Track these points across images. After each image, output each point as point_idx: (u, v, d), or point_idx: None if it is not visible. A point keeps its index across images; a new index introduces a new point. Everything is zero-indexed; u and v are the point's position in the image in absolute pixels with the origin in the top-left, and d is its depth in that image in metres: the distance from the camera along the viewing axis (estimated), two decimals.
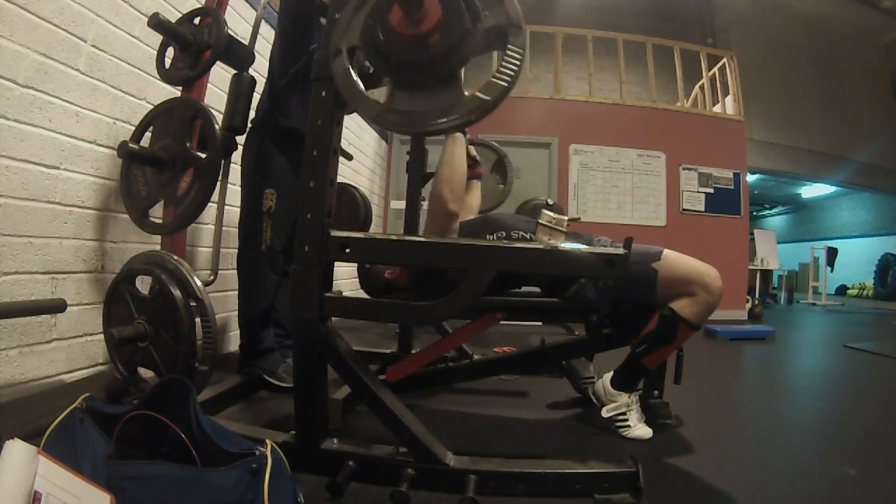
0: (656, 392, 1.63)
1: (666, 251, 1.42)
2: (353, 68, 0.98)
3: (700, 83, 5.76)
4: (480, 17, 0.92)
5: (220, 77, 1.84)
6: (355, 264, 1.95)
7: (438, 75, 0.93)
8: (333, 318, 1.12)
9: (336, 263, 1.11)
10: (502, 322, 1.45)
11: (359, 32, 0.98)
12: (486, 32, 0.92)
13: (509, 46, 0.91)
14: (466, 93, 0.92)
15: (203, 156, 1.39)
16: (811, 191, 11.90)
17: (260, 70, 1.80)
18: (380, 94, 1.12)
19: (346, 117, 1.12)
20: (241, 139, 1.69)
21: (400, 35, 0.92)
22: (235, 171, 1.74)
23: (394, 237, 1.10)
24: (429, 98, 0.94)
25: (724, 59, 5.62)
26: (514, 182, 2.49)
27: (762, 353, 3.35)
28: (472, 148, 1.75)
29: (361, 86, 0.98)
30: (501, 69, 0.90)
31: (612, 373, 1.58)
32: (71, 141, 1.45)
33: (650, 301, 1.42)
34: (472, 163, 1.76)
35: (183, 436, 0.84)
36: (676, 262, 1.41)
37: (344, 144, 1.10)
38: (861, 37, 8.54)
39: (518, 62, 0.90)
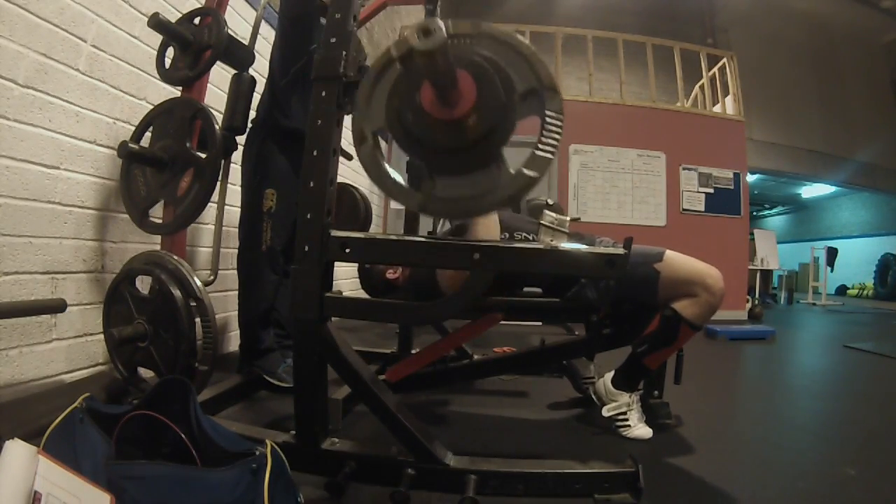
0: (656, 392, 1.63)
1: (668, 252, 1.42)
2: (382, 156, 0.91)
3: (700, 83, 5.76)
4: (514, 86, 0.84)
5: (220, 77, 1.84)
6: (355, 264, 1.95)
7: (481, 158, 0.86)
8: (333, 318, 1.12)
9: (336, 263, 1.11)
10: (502, 322, 1.45)
11: (383, 113, 0.89)
12: (520, 99, 0.85)
13: (547, 113, 0.84)
14: (512, 170, 0.85)
15: (203, 156, 1.39)
16: (811, 191, 11.91)
17: (260, 70, 1.80)
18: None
19: (346, 117, 1.12)
20: (241, 139, 1.69)
21: (434, 119, 0.83)
22: (235, 171, 1.74)
23: (394, 237, 1.10)
24: (472, 181, 0.86)
25: (724, 59, 5.61)
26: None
27: (762, 353, 3.35)
28: None
29: (398, 177, 0.90)
30: (543, 140, 0.84)
31: (613, 372, 1.58)
32: (71, 141, 1.45)
33: (652, 302, 1.43)
34: None
35: (183, 436, 0.84)
36: (678, 263, 1.41)
37: (344, 144, 1.10)
38: (861, 37, 8.54)
39: (559, 129, 0.84)
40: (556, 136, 0.84)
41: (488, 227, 1.32)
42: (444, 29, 0.72)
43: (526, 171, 0.84)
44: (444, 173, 0.88)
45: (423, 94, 0.83)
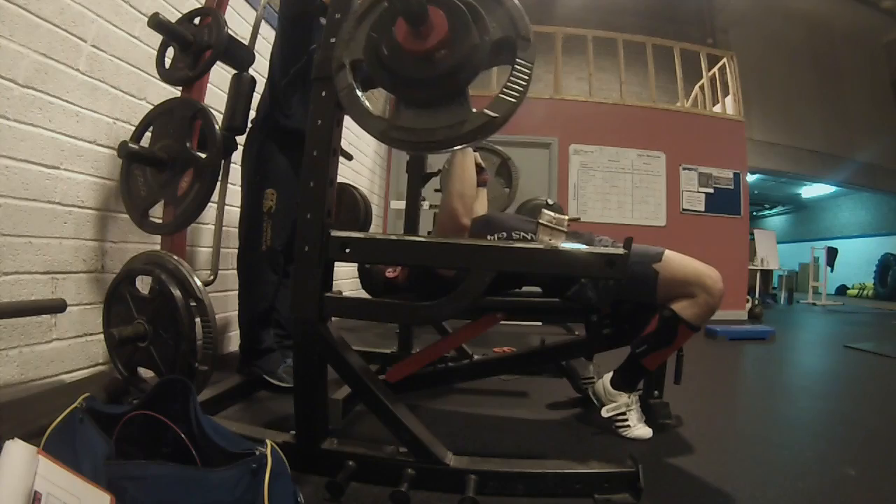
0: (656, 392, 1.63)
1: (667, 252, 1.42)
2: (356, 83, 0.96)
3: (700, 83, 5.76)
4: (488, 29, 0.88)
5: (220, 77, 1.84)
6: (355, 264, 1.95)
7: (446, 92, 0.90)
8: (333, 318, 1.12)
9: (336, 263, 1.11)
10: (502, 322, 1.45)
11: (362, 46, 0.94)
12: (494, 45, 0.89)
13: (518, 60, 0.87)
14: (474, 109, 0.89)
15: (203, 156, 1.39)
16: (811, 191, 11.91)
17: (260, 70, 1.80)
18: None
19: (346, 117, 1.12)
20: (241, 139, 1.70)
21: (405, 51, 0.88)
22: (235, 171, 1.74)
23: (394, 237, 1.10)
24: (435, 115, 0.91)
25: (724, 60, 5.61)
26: (517, 185, 2.50)
27: (762, 353, 3.34)
28: (477, 155, 1.75)
29: (367, 103, 0.95)
30: (510, 84, 0.87)
31: (612, 373, 1.58)
32: (71, 141, 1.45)
33: (651, 302, 1.42)
34: (478, 170, 1.76)
35: (183, 436, 0.84)
36: (677, 264, 1.41)
37: (344, 144, 1.10)
38: (861, 37, 8.54)
39: (527, 77, 0.87)
40: (524, 83, 0.87)
41: (462, 173, 1.38)
42: None
43: (488, 112, 0.87)
44: (411, 105, 0.93)
45: (398, 26, 0.88)
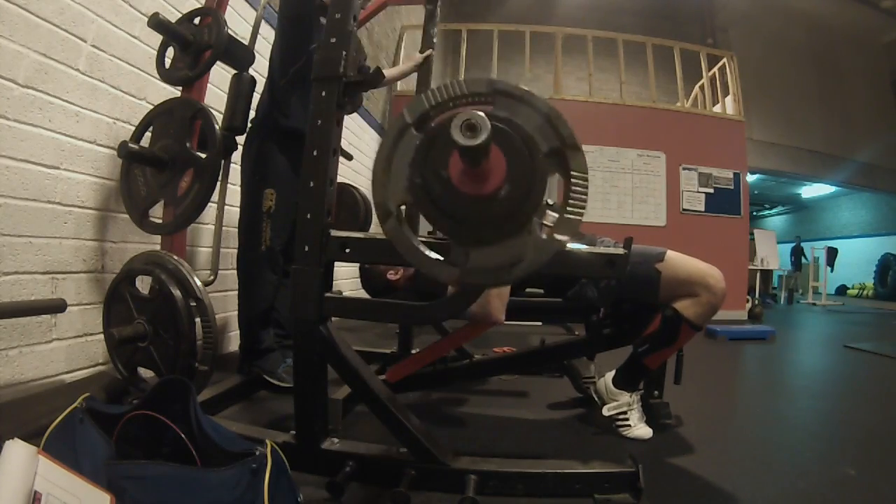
0: (656, 392, 1.63)
1: (669, 252, 1.43)
2: (412, 232, 0.89)
3: (700, 83, 5.76)
4: (536, 146, 0.81)
5: (220, 77, 1.84)
6: (355, 264, 1.95)
7: (511, 226, 0.83)
8: (333, 318, 1.12)
9: (336, 263, 1.11)
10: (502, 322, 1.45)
11: (404, 184, 0.85)
12: (544, 160, 0.82)
13: (573, 173, 0.81)
14: (543, 235, 0.83)
15: (203, 156, 1.39)
16: (811, 191, 11.91)
17: (260, 70, 1.80)
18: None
19: (346, 117, 1.12)
20: (241, 139, 1.69)
21: (464, 194, 0.80)
22: (235, 171, 1.74)
23: None
24: (503, 248, 0.83)
25: (724, 59, 5.61)
26: None
27: (762, 353, 3.34)
28: None
29: (430, 253, 0.87)
30: (572, 201, 0.81)
31: (613, 372, 1.58)
32: (71, 141, 1.45)
33: (653, 301, 1.43)
34: None
35: (183, 436, 0.84)
36: (679, 263, 1.41)
37: (344, 144, 1.10)
38: (861, 37, 8.54)
39: (585, 189, 0.81)
40: (583, 197, 0.81)
41: (501, 296, 1.36)
42: (488, 124, 0.71)
43: (557, 237, 0.82)
44: (476, 245, 0.84)
45: (452, 168, 0.80)
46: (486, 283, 0.90)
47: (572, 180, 0.81)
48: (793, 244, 10.45)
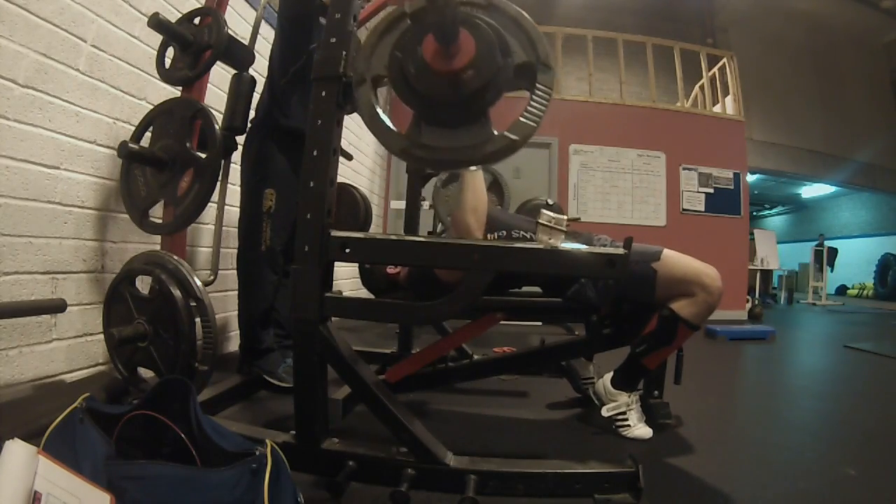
0: (656, 392, 1.63)
1: (665, 251, 1.42)
2: (377, 99, 0.96)
3: (700, 83, 5.76)
4: (511, 53, 0.90)
5: (220, 77, 1.84)
6: (355, 264, 1.95)
7: (470, 112, 0.91)
8: (333, 318, 1.12)
9: (336, 263, 1.11)
10: (502, 322, 1.45)
11: (385, 61, 0.94)
12: (516, 69, 0.91)
13: (538, 86, 0.89)
14: (495, 131, 0.90)
15: (203, 156, 1.39)
16: (811, 191, 11.90)
17: (260, 70, 1.80)
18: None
19: (346, 117, 1.12)
20: (241, 139, 1.69)
21: (433, 70, 0.88)
22: (235, 171, 1.74)
23: (394, 237, 1.10)
24: (457, 134, 0.92)
25: (724, 59, 5.62)
26: (510, 200, 2.58)
27: (762, 353, 3.34)
28: None
29: (388, 120, 0.95)
30: (530, 109, 0.89)
31: (612, 372, 1.58)
32: (71, 141, 1.45)
33: (649, 301, 1.42)
34: None
35: (183, 436, 0.84)
36: (675, 262, 1.41)
37: (344, 144, 1.10)
38: (861, 37, 8.54)
39: (546, 102, 0.89)
40: (542, 108, 0.89)
41: (475, 187, 1.36)
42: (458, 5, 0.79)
43: (508, 134, 0.89)
44: (433, 123, 0.93)
45: (426, 45, 0.88)
46: (430, 161, 0.98)
47: (536, 92, 0.90)
48: (815, 242, 10.22)
